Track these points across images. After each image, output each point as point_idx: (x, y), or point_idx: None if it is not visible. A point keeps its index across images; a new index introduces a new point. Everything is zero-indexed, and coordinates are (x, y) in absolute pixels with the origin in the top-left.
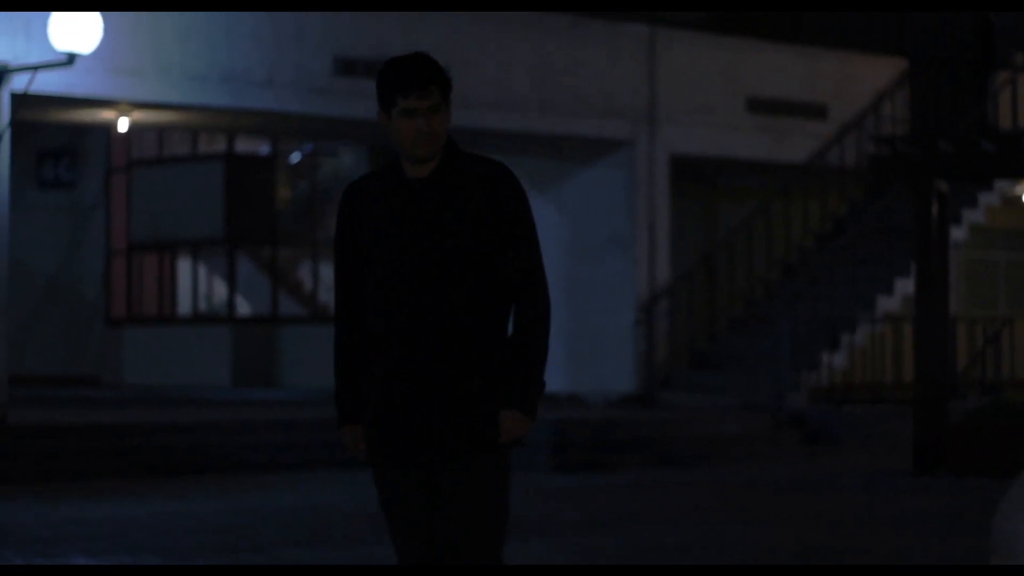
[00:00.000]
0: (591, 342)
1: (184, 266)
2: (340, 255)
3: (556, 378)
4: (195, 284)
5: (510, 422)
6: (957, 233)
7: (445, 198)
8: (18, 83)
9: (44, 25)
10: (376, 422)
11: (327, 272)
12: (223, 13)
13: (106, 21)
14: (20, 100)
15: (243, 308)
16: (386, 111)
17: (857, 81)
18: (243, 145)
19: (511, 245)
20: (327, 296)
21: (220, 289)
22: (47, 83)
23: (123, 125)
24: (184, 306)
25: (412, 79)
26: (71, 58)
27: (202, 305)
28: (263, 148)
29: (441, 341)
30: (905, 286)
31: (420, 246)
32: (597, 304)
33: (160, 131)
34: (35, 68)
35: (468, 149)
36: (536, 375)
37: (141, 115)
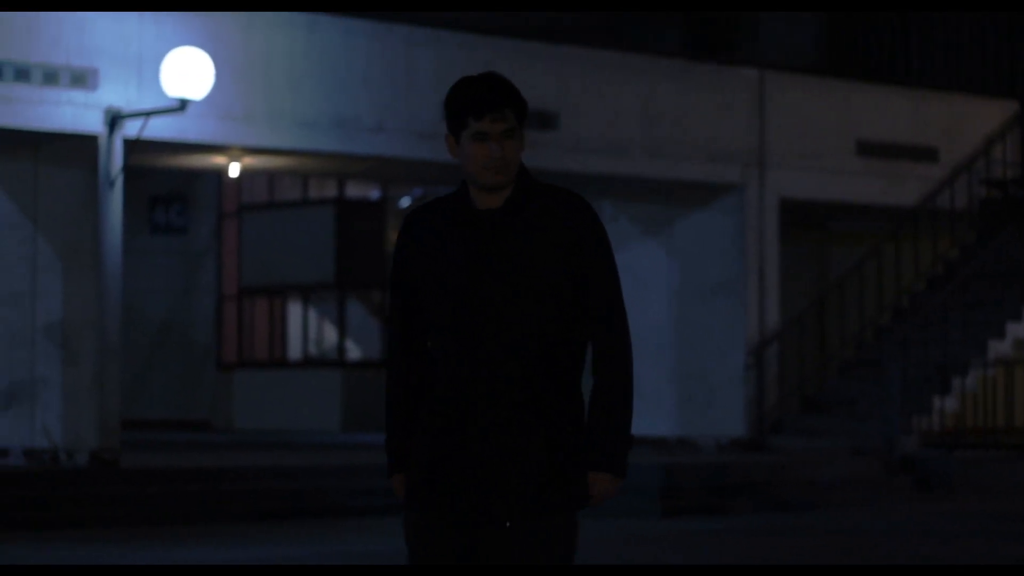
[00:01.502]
0: (701, 386)
1: (295, 310)
2: (399, 290)
3: (666, 422)
4: (305, 328)
5: (601, 485)
6: None
7: (520, 231)
8: (131, 129)
9: (156, 71)
10: (429, 469)
11: None
12: (333, 59)
13: (217, 67)
14: (132, 145)
15: (353, 352)
16: (455, 134)
17: (967, 124)
18: (353, 190)
19: (590, 282)
20: None
21: (330, 333)
22: (159, 129)
23: (234, 170)
24: (294, 350)
25: (486, 100)
26: (183, 104)
27: (312, 349)
28: (373, 193)
29: (516, 385)
30: (1016, 330)
31: (494, 283)
32: (707, 348)
33: (271, 176)
34: (147, 114)
35: (572, 185)
36: (624, 429)
37: (252, 160)
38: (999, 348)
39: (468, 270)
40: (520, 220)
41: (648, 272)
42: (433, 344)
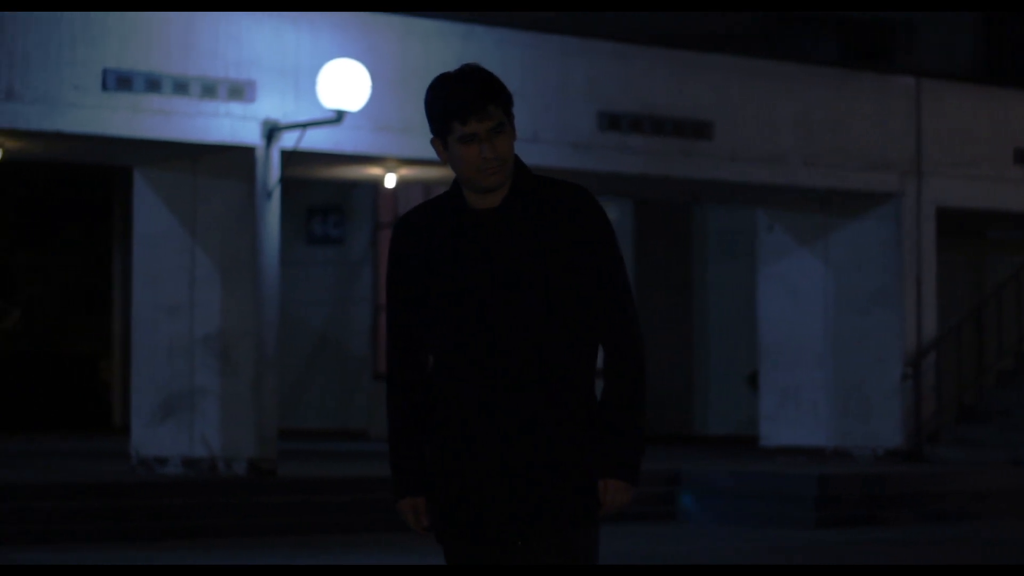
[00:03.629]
0: (857, 396)
1: None
2: (396, 300)
3: (822, 432)
4: None
5: (613, 493)
6: None
7: (524, 231)
8: (287, 140)
9: (313, 83)
10: (448, 491)
11: None
12: (488, 70)
13: (373, 78)
14: (289, 157)
15: None
16: (441, 138)
17: None
18: None
19: (597, 279)
20: None
21: None
22: (316, 140)
23: (390, 181)
24: None
25: (468, 101)
26: (339, 115)
27: None
28: None
29: (529, 392)
30: None
31: (501, 286)
32: (863, 358)
33: (426, 187)
34: (304, 126)
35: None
36: (636, 434)
37: (407, 171)
38: None
39: (474, 274)
40: (523, 219)
41: (804, 282)
42: (441, 356)
